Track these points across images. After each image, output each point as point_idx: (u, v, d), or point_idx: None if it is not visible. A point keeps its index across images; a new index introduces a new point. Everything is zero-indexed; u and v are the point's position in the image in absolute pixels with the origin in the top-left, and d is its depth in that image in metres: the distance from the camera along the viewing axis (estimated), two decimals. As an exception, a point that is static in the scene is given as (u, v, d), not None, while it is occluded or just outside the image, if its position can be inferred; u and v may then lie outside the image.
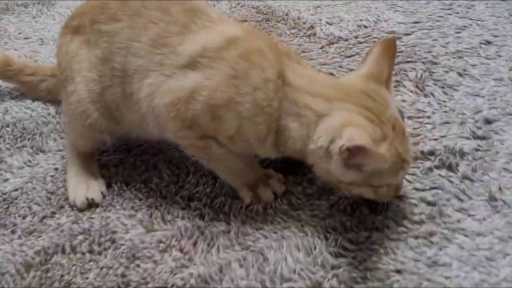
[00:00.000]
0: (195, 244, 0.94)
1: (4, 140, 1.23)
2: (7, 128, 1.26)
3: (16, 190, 1.09)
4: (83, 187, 1.05)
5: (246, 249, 0.91)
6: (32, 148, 1.20)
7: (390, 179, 0.86)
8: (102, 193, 1.06)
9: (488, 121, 1.09)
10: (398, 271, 0.85)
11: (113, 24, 0.99)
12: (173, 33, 0.93)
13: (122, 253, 0.94)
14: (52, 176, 1.12)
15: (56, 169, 1.14)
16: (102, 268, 0.92)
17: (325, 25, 1.48)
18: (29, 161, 1.17)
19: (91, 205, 1.04)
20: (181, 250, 0.93)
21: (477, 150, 1.03)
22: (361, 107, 0.85)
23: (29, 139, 1.23)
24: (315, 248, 0.89)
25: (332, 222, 0.93)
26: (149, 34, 0.94)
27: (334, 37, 1.43)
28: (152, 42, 0.94)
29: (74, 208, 1.04)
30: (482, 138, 1.05)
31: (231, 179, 1.00)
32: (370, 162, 0.80)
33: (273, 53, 0.89)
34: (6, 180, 1.13)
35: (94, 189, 1.05)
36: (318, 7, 1.60)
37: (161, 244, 0.94)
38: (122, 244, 0.95)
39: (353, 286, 0.84)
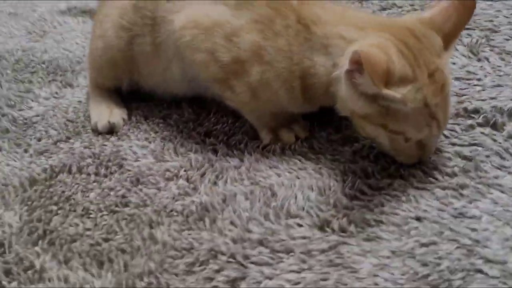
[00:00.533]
0: (203, 175, 0.88)
1: (37, 74, 1.22)
2: (42, 65, 1.27)
3: (37, 116, 1.08)
4: (106, 112, 1.03)
5: (255, 184, 0.84)
6: (61, 82, 1.19)
7: (409, 128, 0.76)
8: (123, 120, 1.03)
9: (545, 86, 0.97)
10: (418, 219, 0.75)
11: None
12: None
13: (127, 177, 0.89)
14: (74, 107, 1.11)
15: (80, 101, 1.12)
16: (104, 189, 0.88)
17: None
18: (56, 93, 1.16)
19: (112, 129, 1.01)
20: (187, 180, 0.87)
21: (529, 112, 0.91)
22: (398, 40, 0.76)
23: (60, 75, 1.22)
24: (329, 189, 0.81)
25: (353, 167, 0.85)
26: None
27: (388, 3, 1.34)
28: None
29: (90, 135, 1.01)
30: (537, 103, 0.93)
31: (253, 119, 0.94)
32: (368, 84, 0.71)
33: None
34: (31, 107, 1.12)
35: (116, 114, 1.03)
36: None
37: (168, 173, 0.89)
38: (129, 170, 0.91)
39: (364, 229, 0.74)
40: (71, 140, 1.00)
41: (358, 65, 0.69)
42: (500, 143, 0.86)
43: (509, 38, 1.12)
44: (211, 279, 0.70)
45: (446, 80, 0.76)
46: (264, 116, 0.92)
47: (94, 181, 0.90)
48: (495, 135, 0.88)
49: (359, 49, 0.68)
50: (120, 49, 1.00)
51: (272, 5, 0.83)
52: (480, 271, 0.67)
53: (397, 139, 0.79)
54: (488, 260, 0.68)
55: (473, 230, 0.72)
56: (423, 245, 0.71)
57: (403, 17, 0.87)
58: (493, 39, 1.12)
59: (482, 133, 0.89)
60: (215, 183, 0.86)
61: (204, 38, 0.85)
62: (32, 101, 1.14)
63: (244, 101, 0.88)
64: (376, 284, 0.67)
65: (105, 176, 0.90)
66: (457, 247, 0.70)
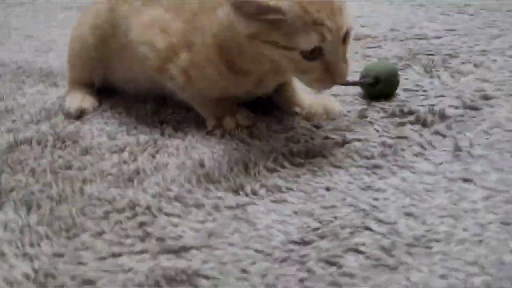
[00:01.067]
0: (144, 150, 0.94)
1: (31, 78, 1.36)
2: (38, 71, 1.39)
3: (18, 105, 1.18)
4: (79, 98, 1.13)
5: (188, 158, 0.90)
6: (49, 83, 1.31)
7: (298, 39, 0.79)
8: (94, 108, 1.13)
9: (486, 97, 1.01)
10: (327, 189, 0.79)
11: None
12: None
13: (78, 149, 0.97)
14: (53, 101, 1.21)
15: (59, 97, 1.22)
16: (54, 157, 0.95)
17: (359, 27, 1.49)
18: (42, 90, 1.27)
19: (82, 114, 1.11)
20: (130, 153, 0.94)
21: (461, 115, 0.96)
22: None
23: (51, 78, 1.34)
24: (254, 164, 0.86)
25: (282, 148, 0.90)
26: None
27: (362, 35, 1.43)
28: None
29: (59, 120, 1.10)
30: (473, 108, 0.98)
31: (200, 108, 1.02)
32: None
33: None
34: (15, 99, 1.23)
35: (88, 101, 1.13)
36: (359, 16, 1.61)
37: (114, 147, 0.97)
38: (81, 145, 0.98)
39: (274, 193, 0.79)
40: (41, 123, 1.09)
41: None
42: (424, 136, 0.90)
43: (465, 62, 1.18)
44: (121, 222, 0.75)
45: None
46: (208, 105, 0.99)
47: (48, 152, 0.97)
48: (422, 130, 0.93)
49: None
50: (95, 47, 1.10)
51: None
52: (368, 228, 0.70)
53: (295, 58, 0.81)
54: (379, 220, 0.71)
55: (375, 199, 0.76)
56: (323, 207, 0.75)
57: None
58: (450, 62, 1.18)
59: (411, 129, 0.94)
60: (153, 156, 0.92)
61: (146, 32, 0.96)
62: (19, 95, 1.24)
63: (183, 87, 0.96)
64: (269, 234, 0.71)
65: (60, 148, 0.98)
66: (354, 210, 0.74)
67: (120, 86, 1.16)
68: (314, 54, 0.81)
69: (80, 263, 0.68)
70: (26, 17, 2.01)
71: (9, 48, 1.64)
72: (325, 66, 0.82)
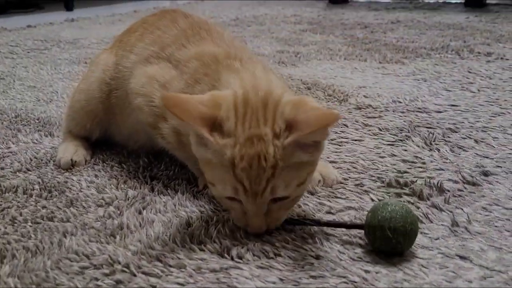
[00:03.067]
0: (131, 205, 0.91)
1: (28, 126, 1.34)
2: (36, 120, 1.38)
3: (11, 153, 1.16)
4: (72, 150, 1.11)
5: (175, 216, 0.88)
6: (45, 133, 1.29)
7: (216, 182, 0.76)
8: (86, 161, 1.10)
9: (485, 174, 0.99)
10: (317, 257, 0.76)
11: (131, 35, 1.11)
12: (170, 35, 1.02)
13: (63, 200, 0.94)
14: (46, 150, 1.19)
15: (53, 147, 1.20)
16: (38, 207, 0.93)
17: (362, 97, 1.49)
18: (37, 139, 1.26)
19: (73, 166, 1.08)
20: (117, 208, 0.91)
21: (460, 190, 0.93)
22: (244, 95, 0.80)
23: (47, 128, 1.32)
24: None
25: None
26: (152, 37, 1.03)
27: (364, 104, 1.42)
28: (151, 41, 1.03)
29: (49, 170, 1.07)
30: (472, 184, 0.96)
31: (191, 166, 1.00)
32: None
33: None
34: (9, 148, 1.21)
35: (81, 154, 1.11)
36: (363, 87, 1.62)
37: (101, 201, 0.94)
38: (68, 196, 0.95)
39: (261, 259, 0.75)
40: (30, 172, 1.07)
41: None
42: (421, 208, 0.87)
43: (466, 137, 1.17)
44: (97, 279, 0.71)
45: (266, 154, 0.72)
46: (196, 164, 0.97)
47: (33, 201, 0.94)
48: (419, 202, 0.90)
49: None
50: (100, 102, 1.10)
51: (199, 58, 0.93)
52: (357, 301, 0.66)
53: (214, 190, 0.79)
54: (368, 294, 0.67)
55: (367, 272, 0.72)
56: (311, 277, 0.71)
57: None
58: (450, 137, 1.17)
59: (408, 201, 0.91)
60: (139, 212, 0.89)
61: (146, 84, 0.96)
62: (13, 143, 1.22)
63: (173, 147, 0.95)
64: (252, 301, 0.66)
65: (45, 198, 0.95)
66: (344, 282, 0.70)
67: (119, 139, 1.15)
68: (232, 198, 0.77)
69: (48, 321, 0.64)
70: (34, 67, 2.03)
71: (11, 96, 1.64)
72: (244, 211, 0.77)
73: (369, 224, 0.76)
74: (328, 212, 0.88)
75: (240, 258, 0.76)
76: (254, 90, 0.78)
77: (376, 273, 0.72)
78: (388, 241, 0.73)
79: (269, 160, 0.73)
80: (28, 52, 2.32)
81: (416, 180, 0.96)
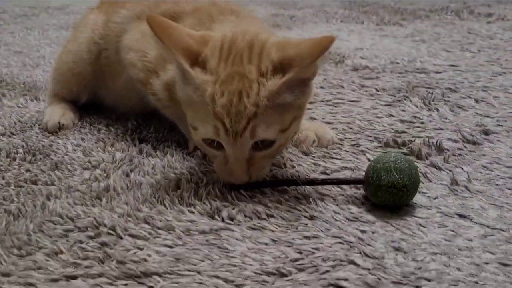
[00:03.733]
0: (118, 168, 0.88)
1: (13, 90, 1.30)
2: (21, 85, 1.34)
3: (-4, 116, 1.12)
4: (59, 113, 1.07)
5: (164, 178, 0.84)
6: (30, 97, 1.24)
7: (198, 123, 0.73)
8: (73, 123, 1.07)
9: (486, 132, 0.96)
10: (311, 218, 0.73)
11: None
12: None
13: (47, 163, 0.90)
14: (31, 114, 1.15)
15: (38, 111, 1.16)
16: (21, 170, 0.89)
17: (358, 58, 1.45)
18: (21, 103, 1.22)
19: (60, 129, 1.04)
20: (103, 170, 0.87)
21: (460, 149, 0.90)
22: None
23: (33, 92, 1.27)
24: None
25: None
26: None
27: (361, 66, 1.38)
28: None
29: (33, 133, 1.03)
30: (472, 143, 0.92)
31: (182, 128, 0.96)
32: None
33: None
34: (-7, 111, 1.16)
35: (68, 117, 1.07)
36: (360, 49, 1.57)
37: (88, 164, 0.90)
38: (53, 159, 0.92)
39: (253, 220, 0.72)
40: (14, 136, 1.03)
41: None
42: (420, 168, 0.84)
43: (465, 97, 1.13)
44: (81, 242, 0.68)
45: (250, 91, 0.70)
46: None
47: (16, 164, 0.91)
48: (417, 162, 0.86)
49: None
50: (89, 63, 1.06)
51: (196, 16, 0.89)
52: (352, 262, 0.63)
53: (195, 135, 0.76)
54: (365, 254, 0.64)
55: (362, 231, 0.69)
56: (305, 237, 0.68)
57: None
58: (449, 96, 1.13)
59: (405, 160, 0.87)
60: (127, 175, 0.85)
61: (140, 39, 0.90)
62: (-4, 108, 1.18)
63: (164, 104, 0.90)
64: (243, 263, 0.64)
65: (29, 162, 0.92)
66: (339, 242, 0.67)
67: (108, 102, 1.10)
68: (216, 144, 0.74)
69: (28, 284, 0.61)
70: (20, 33, 1.97)
71: (-4, 62, 1.59)
72: (226, 159, 0.74)
73: (373, 168, 0.72)
74: (323, 173, 0.84)
75: (231, 219, 0.72)
76: (242, 34, 0.76)
77: (373, 232, 0.69)
78: (393, 187, 0.70)
79: (252, 97, 0.70)
80: (16, 18, 2.26)
81: (415, 140, 0.92)
